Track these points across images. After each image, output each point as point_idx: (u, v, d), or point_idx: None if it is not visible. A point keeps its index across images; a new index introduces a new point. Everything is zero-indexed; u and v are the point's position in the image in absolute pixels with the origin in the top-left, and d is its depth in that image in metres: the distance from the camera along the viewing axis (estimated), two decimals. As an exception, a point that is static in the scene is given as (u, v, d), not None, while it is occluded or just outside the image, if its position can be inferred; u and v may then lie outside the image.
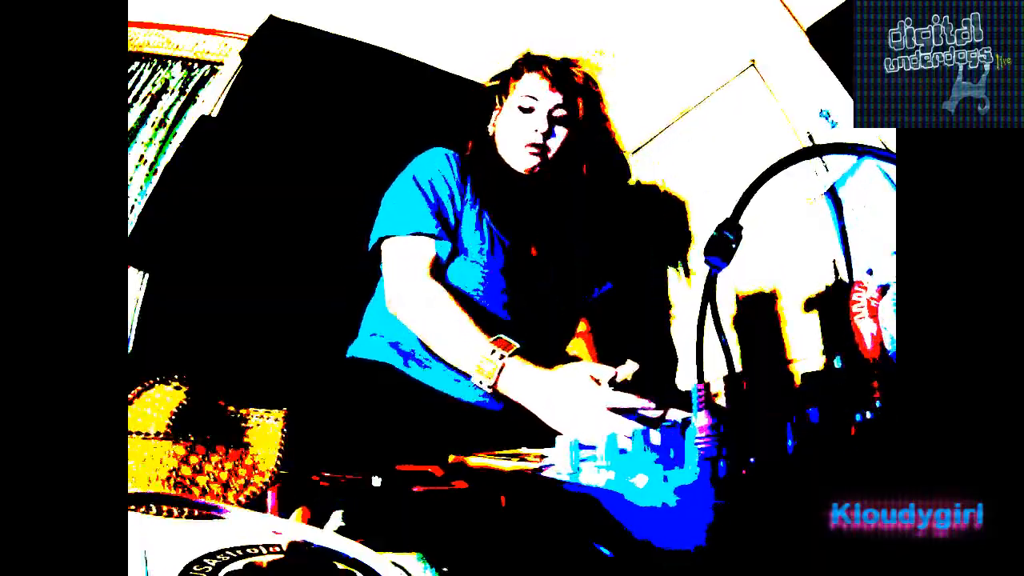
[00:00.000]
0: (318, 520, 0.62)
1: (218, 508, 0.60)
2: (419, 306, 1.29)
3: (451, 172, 1.44)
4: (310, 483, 0.72)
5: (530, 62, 1.49)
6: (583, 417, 1.08)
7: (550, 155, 1.44)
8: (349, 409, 1.26)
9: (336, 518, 0.64)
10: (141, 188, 1.77)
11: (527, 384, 1.15)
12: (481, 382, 1.18)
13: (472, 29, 1.90)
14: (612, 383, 1.14)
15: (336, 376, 1.38)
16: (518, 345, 1.19)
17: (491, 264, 1.39)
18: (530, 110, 1.43)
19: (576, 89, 1.45)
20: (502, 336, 1.21)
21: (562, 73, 1.45)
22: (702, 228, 1.78)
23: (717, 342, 1.01)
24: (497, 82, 1.54)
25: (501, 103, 1.50)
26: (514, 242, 1.44)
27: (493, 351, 1.17)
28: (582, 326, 1.58)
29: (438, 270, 1.35)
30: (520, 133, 1.43)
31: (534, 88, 1.44)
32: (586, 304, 1.59)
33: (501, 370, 1.16)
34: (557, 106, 1.43)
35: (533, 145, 1.42)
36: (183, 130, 1.81)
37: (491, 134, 1.50)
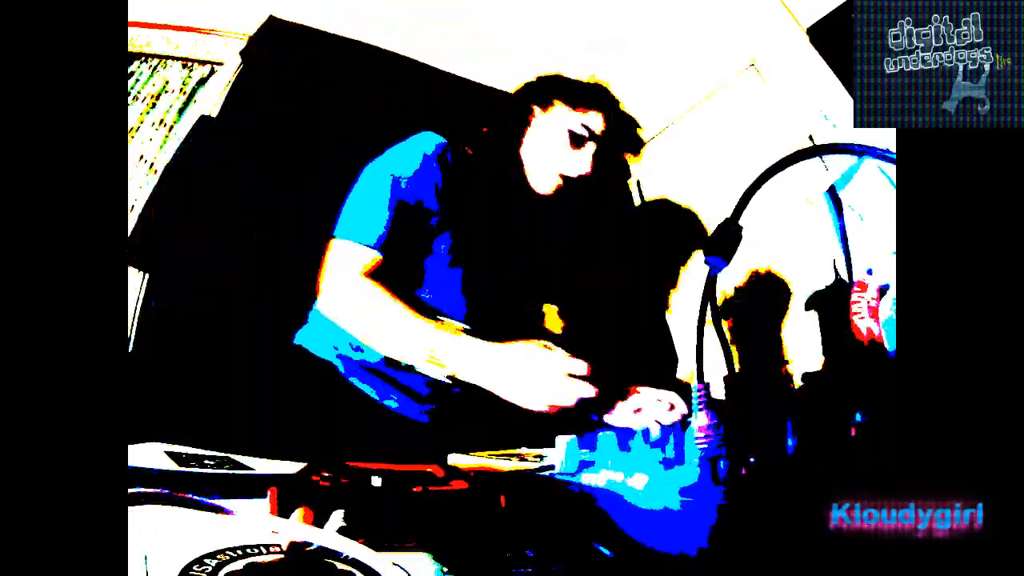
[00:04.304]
0: (318, 520, 0.62)
1: (224, 508, 0.60)
2: (354, 306, 1.24)
3: (432, 175, 1.38)
4: (310, 483, 0.72)
5: (588, 95, 1.46)
6: (542, 384, 1.07)
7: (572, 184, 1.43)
8: (288, 400, 1.24)
9: (336, 518, 0.64)
10: (141, 188, 1.77)
11: (482, 360, 1.13)
12: (434, 369, 1.15)
13: (471, 30, 1.90)
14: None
15: (280, 360, 1.35)
16: (465, 327, 1.18)
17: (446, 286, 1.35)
18: (581, 144, 1.41)
19: (617, 129, 1.46)
20: (445, 319, 1.19)
21: (616, 115, 1.45)
22: (702, 228, 1.78)
23: (717, 342, 1.01)
24: (530, 94, 1.49)
25: (527, 121, 1.46)
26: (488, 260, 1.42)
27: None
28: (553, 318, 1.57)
29: (380, 274, 1.29)
30: (563, 164, 1.40)
31: (593, 123, 1.42)
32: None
33: (453, 352, 1.14)
34: (603, 144, 1.42)
35: (566, 178, 1.40)
36: (183, 130, 1.81)
37: (518, 148, 1.44)
